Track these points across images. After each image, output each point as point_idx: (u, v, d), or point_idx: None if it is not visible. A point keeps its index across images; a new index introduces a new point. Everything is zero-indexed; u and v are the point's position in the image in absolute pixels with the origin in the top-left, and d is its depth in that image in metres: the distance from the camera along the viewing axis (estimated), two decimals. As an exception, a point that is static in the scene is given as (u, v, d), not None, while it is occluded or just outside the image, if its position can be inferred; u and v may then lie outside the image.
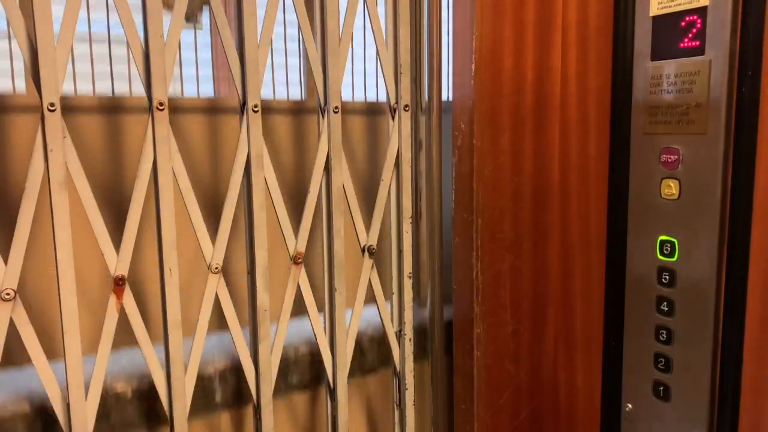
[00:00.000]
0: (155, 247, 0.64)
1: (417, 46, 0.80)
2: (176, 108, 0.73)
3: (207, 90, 0.88)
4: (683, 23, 0.62)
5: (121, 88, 0.79)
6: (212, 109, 0.77)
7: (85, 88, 0.77)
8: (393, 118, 0.78)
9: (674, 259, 0.65)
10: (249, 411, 0.80)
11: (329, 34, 0.71)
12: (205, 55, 0.87)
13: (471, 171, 0.76)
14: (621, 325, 0.72)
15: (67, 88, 0.68)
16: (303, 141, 0.84)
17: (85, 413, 0.61)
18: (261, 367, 0.71)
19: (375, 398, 0.90)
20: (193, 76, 0.85)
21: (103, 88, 0.78)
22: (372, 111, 0.89)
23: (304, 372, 0.81)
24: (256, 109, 0.67)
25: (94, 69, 0.79)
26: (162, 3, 0.61)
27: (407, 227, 0.80)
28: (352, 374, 0.79)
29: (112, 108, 0.71)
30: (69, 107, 0.68)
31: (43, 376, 0.59)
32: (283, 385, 0.79)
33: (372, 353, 0.86)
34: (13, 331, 0.57)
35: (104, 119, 0.71)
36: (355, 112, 0.88)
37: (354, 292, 0.78)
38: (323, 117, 0.73)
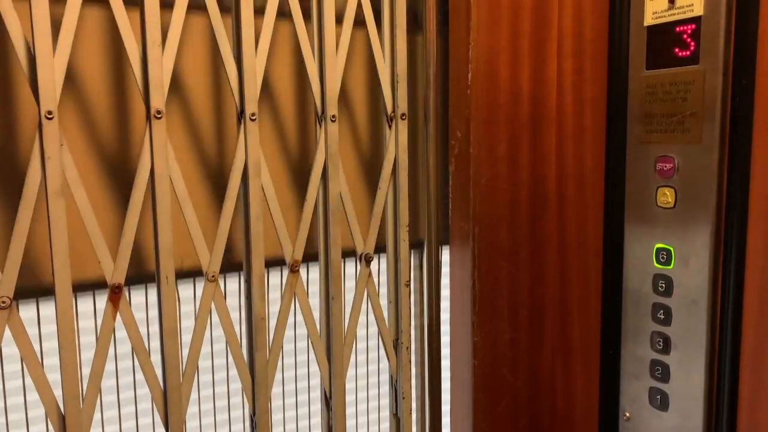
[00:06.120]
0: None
1: (414, 55, 0.81)
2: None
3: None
4: (677, 33, 0.62)
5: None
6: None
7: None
8: (390, 126, 0.79)
9: (670, 267, 0.66)
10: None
11: (326, 43, 0.71)
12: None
13: (468, 179, 0.77)
14: (618, 333, 0.72)
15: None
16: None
17: (80, 423, 0.61)
18: (257, 378, 0.71)
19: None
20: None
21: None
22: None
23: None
24: (253, 118, 0.67)
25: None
26: (160, 10, 0.61)
27: (404, 235, 0.80)
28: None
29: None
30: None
31: (38, 383, 0.59)
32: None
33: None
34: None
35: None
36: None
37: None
38: (320, 125, 0.73)
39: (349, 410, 0.88)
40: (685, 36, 0.62)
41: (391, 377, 0.84)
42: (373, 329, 0.87)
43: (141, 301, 0.72)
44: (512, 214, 0.79)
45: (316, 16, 0.72)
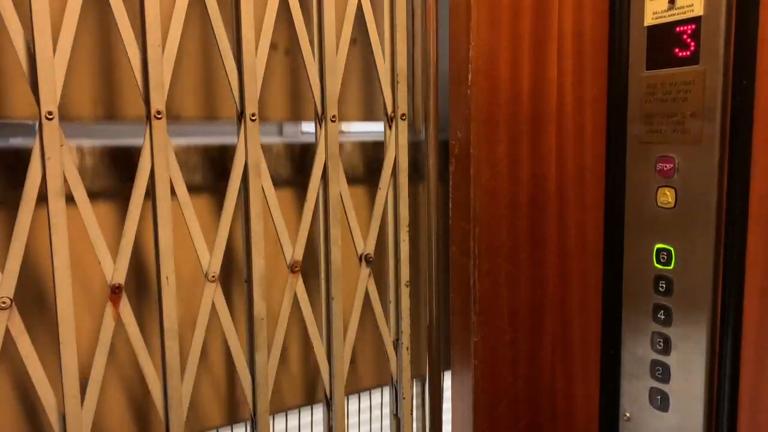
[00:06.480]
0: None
1: (413, 55, 0.81)
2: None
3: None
4: (677, 33, 0.62)
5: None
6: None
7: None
8: (390, 126, 0.79)
9: (671, 267, 0.65)
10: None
11: (326, 44, 0.71)
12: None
13: (468, 180, 0.77)
14: (618, 333, 0.72)
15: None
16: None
17: (80, 423, 0.61)
18: (257, 377, 0.71)
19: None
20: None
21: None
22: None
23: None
24: (254, 118, 0.67)
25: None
26: (160, 12, 0.61)
27: (404, 236, 0.80)
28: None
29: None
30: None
31: (38, 384, 0.59)
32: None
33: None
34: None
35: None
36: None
37: (351, 301, 0.78)
38: (321, 126, 0.73)
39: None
40: (685, 36, 0.62)
41: (392, 377, 0.84)
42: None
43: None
44: (512, 214, 0.79)
45: (316, 15, 0.72)
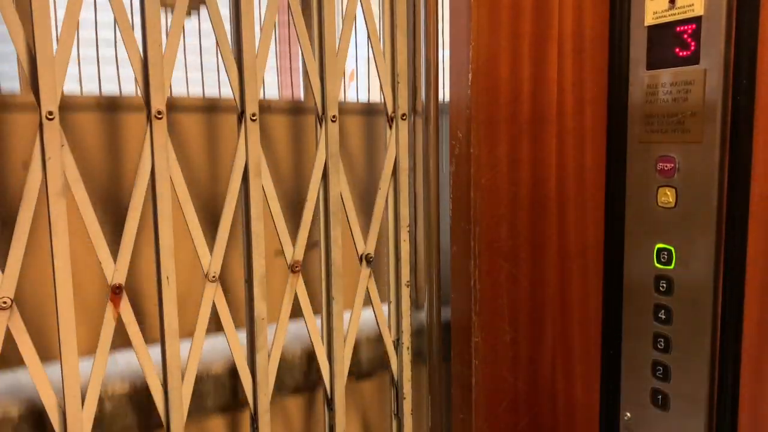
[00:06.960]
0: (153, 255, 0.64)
1: (414, 55, 0.81)
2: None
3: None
4: (678, 33, 0.62)
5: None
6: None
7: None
8: (390, 126, 0.79)
9: (671, 267, 0.65)
10: (246, 419, 0.79)
11: (327, 43, 0.71)
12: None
13: (468, 179, 0.77)
14: (619, 333, 0.72)
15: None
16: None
17: (81, 422, 0.61)
18: (258, 376, 0.71)
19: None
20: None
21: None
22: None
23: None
24: (254, 118, 0.67)
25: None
26: (160, 9, 0.61)
27: (405, 236, 0.80)
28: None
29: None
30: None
31: (39, 384, 0.59)
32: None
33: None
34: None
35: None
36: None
37: (352, 300, 0.78)
38: (321, 126, 0.73)
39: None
40: (685, 36, 0.62)
41: (392, 376, 0.84)
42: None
43: None
44: (512, 214, 0.79)
45: (316, 15, 0.72)
